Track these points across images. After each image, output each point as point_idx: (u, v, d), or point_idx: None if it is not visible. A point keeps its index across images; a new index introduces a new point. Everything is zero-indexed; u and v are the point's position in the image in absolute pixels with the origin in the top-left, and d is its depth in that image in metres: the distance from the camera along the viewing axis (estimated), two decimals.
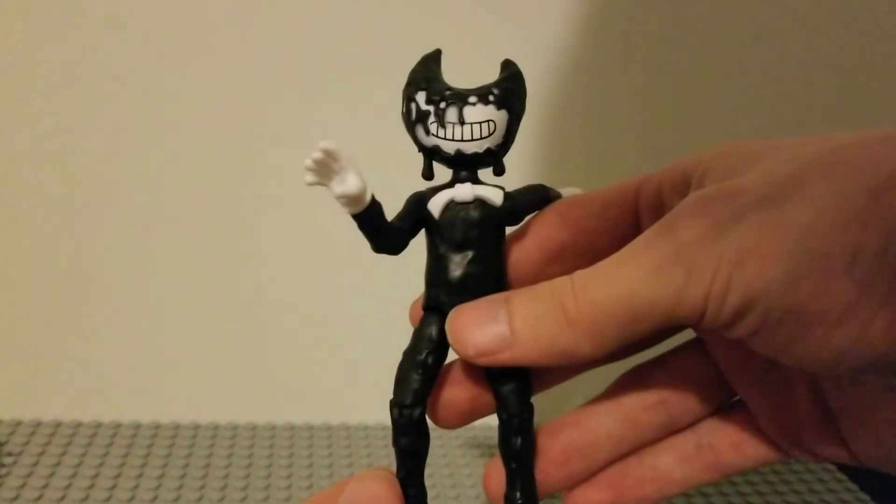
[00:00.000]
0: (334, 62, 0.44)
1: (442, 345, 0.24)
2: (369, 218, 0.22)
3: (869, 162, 0.18)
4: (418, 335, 0.24)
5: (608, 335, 0.20)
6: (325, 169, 0.21)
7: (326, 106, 0.45)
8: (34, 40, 0.42)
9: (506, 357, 0.21)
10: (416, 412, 0.23)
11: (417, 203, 0.24)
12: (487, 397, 0.24)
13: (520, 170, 0.46)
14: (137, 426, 0.47)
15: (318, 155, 0.21)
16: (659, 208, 0.24)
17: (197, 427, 0.47)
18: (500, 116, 0.23)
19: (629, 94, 0.47)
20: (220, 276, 0.46)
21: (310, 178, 0.21)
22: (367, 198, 0.22)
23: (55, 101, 0.43)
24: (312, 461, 0.44)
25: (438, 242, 0.24)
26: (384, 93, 0.45)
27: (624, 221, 0.25)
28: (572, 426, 0.25)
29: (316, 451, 0.45)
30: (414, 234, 0.24)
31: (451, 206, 0.24)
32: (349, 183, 0.21)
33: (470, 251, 0.24)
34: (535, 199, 0.25)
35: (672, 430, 0.25)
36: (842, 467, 0.47)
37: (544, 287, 0.21)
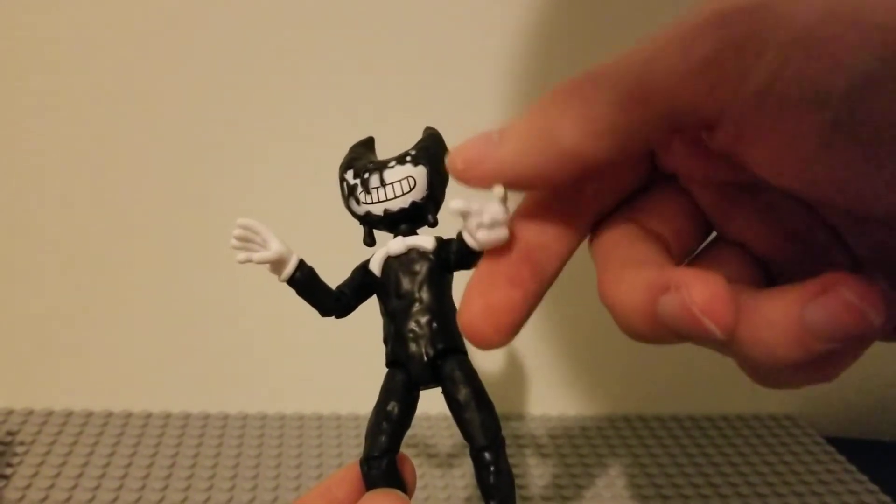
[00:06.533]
0: (332, 62, 0.44)
1: (408, 396, 0.24)
2: (301, 282, 0.25)
3: None
4: (385, 389, 0.25)
5: (603, 110, 0.17)
6: (250, 243, 0.24)
7: (320, 107, 0.44)
8: (34, 40, 0.42)
9: (491, 163, 0.19)
10: (384, 463, 0.23)
11: (361, 269, 0.26)
12: (527, 288, 0.21)
13: None
14: (148, 415, 0.47)
15: (238, 231, 0.23)
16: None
17: (207, 416, 0.47)
18: (419, 172, 0.25)
19: None
20: (220, 274, 0.46)
21: (240, 256, 0.24)
22: (293, 261, 0.24)
23: (56, 102, 0.43)
24: (301, 451, 0.44)
25: (385, 299, 0.25)
26: (381, 93, 0.45)
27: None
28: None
29: (305, 440, 0.45)
30: (361, 298, 0.26)
31: (388, 261, 0.25)
32: (271, 248, 0.24)
33: (414, 301, 0.24)
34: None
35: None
36: (841, 448, 0.46)
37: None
